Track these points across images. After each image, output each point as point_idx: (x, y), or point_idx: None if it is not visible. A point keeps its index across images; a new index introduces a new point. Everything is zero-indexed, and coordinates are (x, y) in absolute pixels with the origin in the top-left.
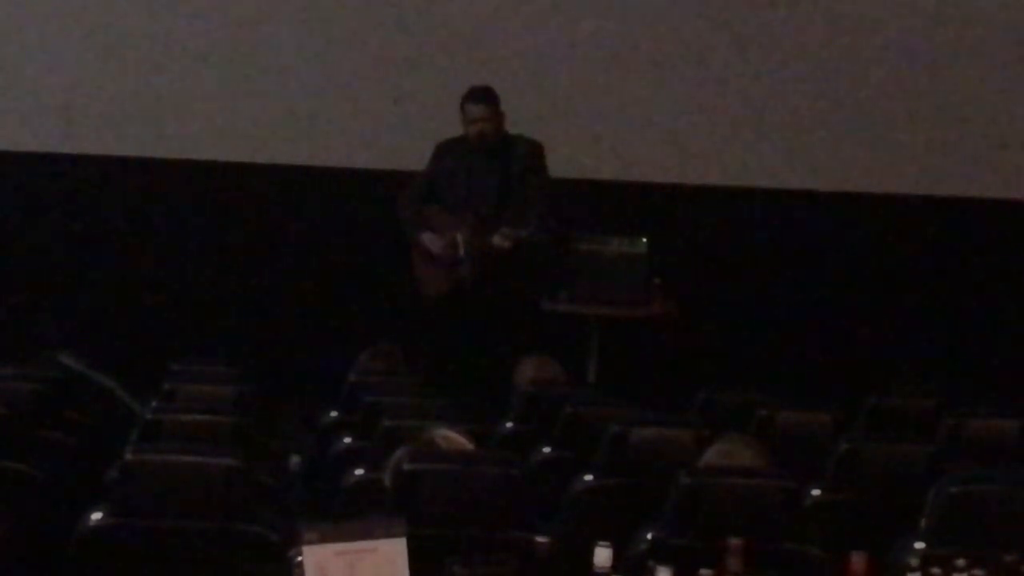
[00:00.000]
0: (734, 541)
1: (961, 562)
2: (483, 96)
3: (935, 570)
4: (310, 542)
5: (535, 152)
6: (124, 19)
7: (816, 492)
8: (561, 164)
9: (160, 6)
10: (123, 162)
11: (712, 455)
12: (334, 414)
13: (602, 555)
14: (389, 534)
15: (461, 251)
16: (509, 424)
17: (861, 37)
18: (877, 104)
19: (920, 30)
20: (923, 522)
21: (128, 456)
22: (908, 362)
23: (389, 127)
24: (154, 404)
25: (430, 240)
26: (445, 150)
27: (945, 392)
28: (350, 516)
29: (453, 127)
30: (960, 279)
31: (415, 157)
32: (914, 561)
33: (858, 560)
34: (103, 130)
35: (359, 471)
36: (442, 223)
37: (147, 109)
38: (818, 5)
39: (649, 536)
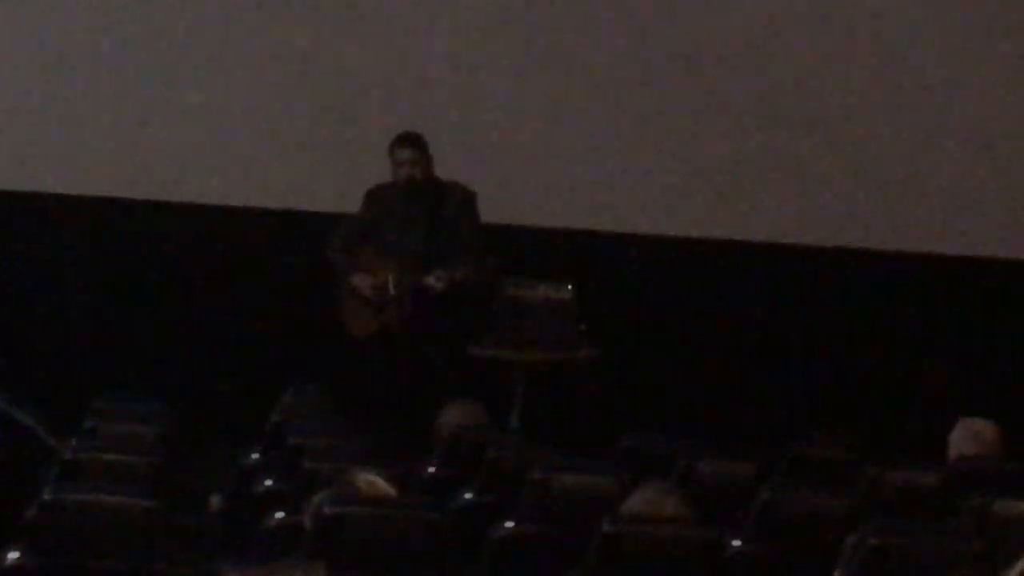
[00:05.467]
0: None
1: None
2: (410, 140)
3: None
4: None
5: (468, 200)
6: (32, 50)
7: (737, 542)
8: (488, 209)
9: (77, 40)
10: (44, 198)
11: (634, 503)
12: (256, 455)
13: None
14: None
15: (391, 291)
16: (431, 469)
17: (793, 87)
18: (808, 155)
19: (853, 80)
20: (838, 573)
21: (47, 495)
22: (829, 412)
23: (318, 169)
24: (74, 442)
25: (361, 280)
26: (377, 194)
27: (865, 443)
28: (270, 558)
29: (381, 170)
30: (883, 331)
31: (342, 199)
32: None
33: None
34: (17, 165)
35: (280, 513)
36: (373, 264)
37: (68, 145)
38: (750, 56)
39: None
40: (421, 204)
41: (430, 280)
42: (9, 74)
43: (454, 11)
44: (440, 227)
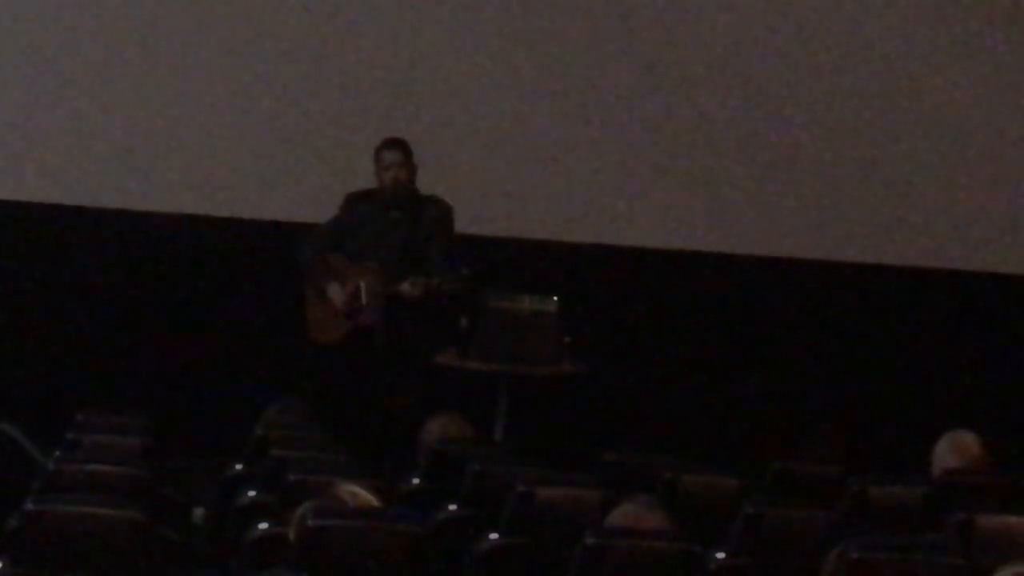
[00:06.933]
0: None
1: None
2: (398, 143)
3: None
4: None
5: (445, 213)
6: (21, 59)
7: (720, 556)
8: (472, 221)
9: (44, 49)
10: (26, 207)
11: (617, 516)
12: (239, 467)
13: None
14: None
15: (363, 299)
16: (415, 481)
17: (783, 100)
18: (793, 167)
19: (848, 94)
20: None
21: (29, 506)
22: (816, 426)
23: (304, 181)
24: (57, 454)
25: (333, 293)
26: (355, 200)
27: (850, 457)
28: (254, 570)
29: (367, 183)
30: (869, 345)
31: (329, 211)
32: None
33: None
34: (1, 175)
35: (263, 525)
36: (345, 272)
37: (51, 155)
38: (738, 69)
39: None
40: (400, 212)
41: (405, 286)
42: None
43: (437, 24)
44: (417, 237)
